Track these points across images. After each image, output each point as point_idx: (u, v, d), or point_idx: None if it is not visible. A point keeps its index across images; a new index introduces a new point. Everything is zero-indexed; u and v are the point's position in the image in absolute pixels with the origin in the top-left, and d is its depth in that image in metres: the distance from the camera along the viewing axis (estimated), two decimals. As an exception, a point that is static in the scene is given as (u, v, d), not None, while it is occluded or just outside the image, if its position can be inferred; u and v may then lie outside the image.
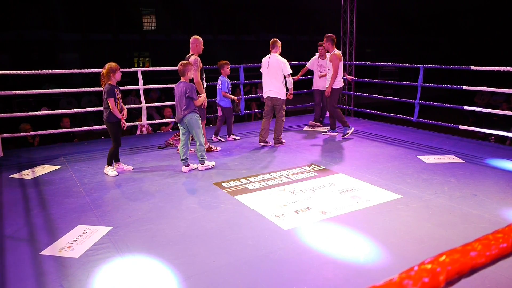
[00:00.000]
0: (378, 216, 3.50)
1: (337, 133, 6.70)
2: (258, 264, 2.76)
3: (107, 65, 4.68)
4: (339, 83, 6.42)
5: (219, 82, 6.36)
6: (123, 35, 18.07)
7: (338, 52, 6.34)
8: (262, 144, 6.13)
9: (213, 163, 5.10)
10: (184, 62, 4.89)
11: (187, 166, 4.93)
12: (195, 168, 5.02)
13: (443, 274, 0.75)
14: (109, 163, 4.85)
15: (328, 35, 6.41)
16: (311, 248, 2.96)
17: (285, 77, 5.90)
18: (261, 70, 6.12)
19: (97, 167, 5.11)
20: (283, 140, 6.20)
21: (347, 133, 6.52)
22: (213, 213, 3.64)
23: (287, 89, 6.04)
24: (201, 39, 5.49)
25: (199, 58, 5.38)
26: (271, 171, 4.80)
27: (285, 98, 6.01)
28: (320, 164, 5.05)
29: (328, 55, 6.57)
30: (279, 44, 5.98)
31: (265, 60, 6.03)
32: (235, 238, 3.15)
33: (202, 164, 4.98)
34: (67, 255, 2.93)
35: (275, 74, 5.87)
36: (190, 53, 5.48)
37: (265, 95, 6.04)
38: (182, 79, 4.87)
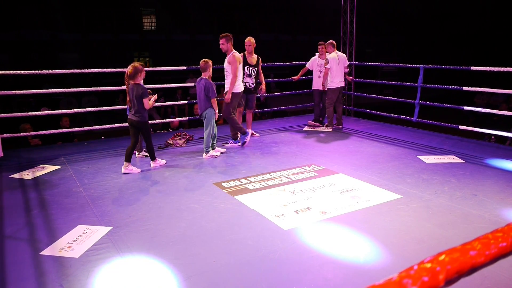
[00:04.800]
0: (378, 216, 3.51)
1: (239, 143, 6.08)
2: (258, 264, 2.76)
3: (131, 66, 4.64)
4: (238, 87, 5.88)
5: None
6: (123, 35, 18.07)
7: (237, 54, 5.81)
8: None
9: (218, 153, 5.53)
10: (206, 59, 5.24)
11: (215, 150, 5.62)
12: (222, 151, 5.64)
13: (443, 273, 0.75)
14: (128, 160, 4.84)
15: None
16: (311, 248, 2.96)
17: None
18: (330, 66, 7.17)
19: (97, 167, 5.11)
20: (335, 123, 7.39)
21: (246, 141, 6.04)
22: (213, 213, 3.64)
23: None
24: (251, 39, 6.41)
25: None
26: (271, 171, 4.80)
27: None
28: (320, 164, 5.05)
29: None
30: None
31: (335, 57, 7.09)
32: (235, 238, 3.15)
33: (206, 153, 5.43)
34: (67, 255, 2.93)
35: (343, 68, 7.21)
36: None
37: (338, 85, 7.15)
38: (202, 75, 5.22)
